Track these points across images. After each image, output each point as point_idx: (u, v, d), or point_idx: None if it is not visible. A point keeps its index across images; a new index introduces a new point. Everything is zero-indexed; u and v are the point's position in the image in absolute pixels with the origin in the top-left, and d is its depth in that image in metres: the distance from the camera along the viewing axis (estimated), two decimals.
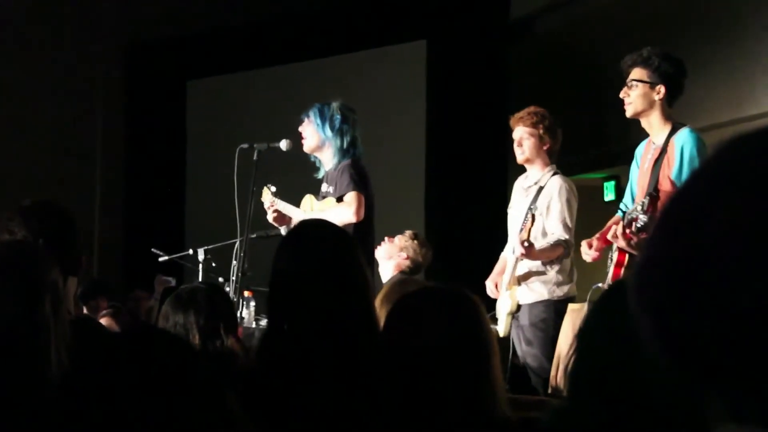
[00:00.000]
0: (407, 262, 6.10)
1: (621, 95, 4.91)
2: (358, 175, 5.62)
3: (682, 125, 4.81)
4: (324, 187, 5.80)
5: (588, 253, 5.00)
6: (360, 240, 5.50)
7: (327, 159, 5.80)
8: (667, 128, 4.82)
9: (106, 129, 11.10)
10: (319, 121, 5.77)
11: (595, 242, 5.00)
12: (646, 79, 4.85)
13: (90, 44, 10.81)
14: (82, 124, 10.87)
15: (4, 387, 2.21)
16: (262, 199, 6.00)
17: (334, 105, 5.78)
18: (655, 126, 4.88)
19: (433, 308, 2.39)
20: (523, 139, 5.75)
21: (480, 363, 2.31)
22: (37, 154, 10.25)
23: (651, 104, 4.85)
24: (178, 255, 7.13)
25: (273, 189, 6.02)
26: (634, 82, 4.85)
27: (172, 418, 1.55)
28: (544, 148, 5.74)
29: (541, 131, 5.72)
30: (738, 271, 0.83)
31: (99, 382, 1.57)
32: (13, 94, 10.20)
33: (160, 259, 7.12)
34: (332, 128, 5.74)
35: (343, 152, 5.72)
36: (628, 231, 4.65)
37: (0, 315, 2.28)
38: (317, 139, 5.79)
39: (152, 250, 7.27)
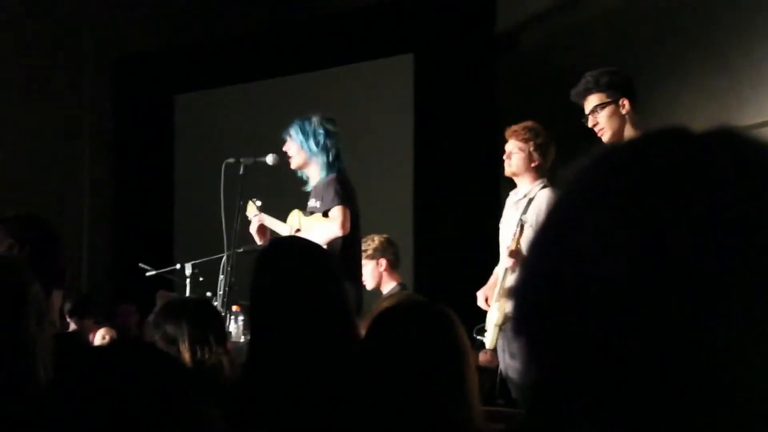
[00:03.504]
0: (385, 263, 6.55)
1: (590, 125, 4.91)
2: (343, 189, 5.61)
3: (653, 127, 4.81)
4: (311, 202, 5.79)
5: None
6: (346, 253, 5.51)
7: (313, 174, 5.80)
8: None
9: (94, 143, 11.09)
10: (302, 138, 5.76)
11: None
12: (606, 99, 4.86)
13: (78, 58, 10.81)
14: (70, 137, 10.85)
15: None
16: (247, 213, 6.00)
17: (315, 120, 5.76)
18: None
19: (407, 322, 2.42)
20: (513, 153, 5.75)
21: (453, 377, 2.33)
22: (25, 168, 10.22)
23: (622, 120, 4.86)
24: (165, 269, 7.10)
25: (258, 203, 6.04)
26: (598, 107, 4.86)
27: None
28: (533, 164, 5.75)
29: (531, 148, 5.73)
30: (611, 289, 0.81)
31: (80, 396, 1.56)
32: (0, 107, 10.18)
33: (148, 273, 7.10)
34: (316, 144, 5.73)
35: (329, 166, 5.71)
36: None
37: None
38: (303, 156, 5.79)
39: (140, 265, 7.25)
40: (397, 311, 2.52)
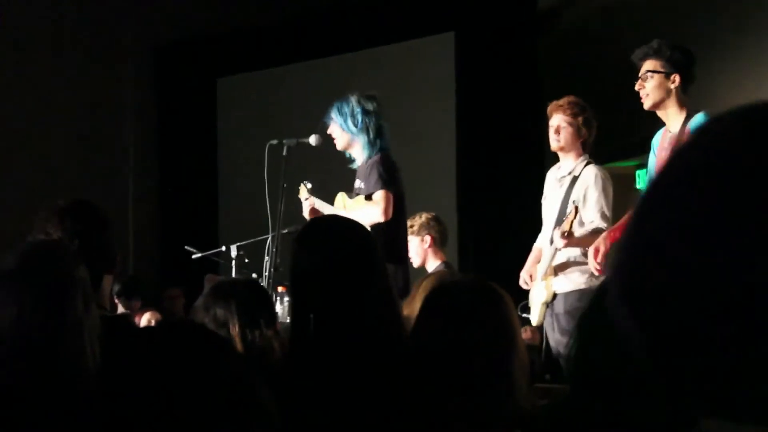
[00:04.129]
0: (429, 239, 6.57)
1: (636, 88, 4.94)
2: (387, 172, 5.57)
3: (697, 112, 4.80)
4: (357, 183, 5.77)
5: (595, 266, 5.01)
6: (391, 237, 5.49)
7: (358, 154, 5.78)
8: (683, 116, 4.82)
9: (139, 128, 11.16)
10: (341, 120, 5.72)
11: (602, 246, 5.02)
12: (660, 69, 4.87)
13: (121, 45, 10.87)
14: (115, 123, 10.93)
15: (41, 383, 2.23)
16: (300, 196, 6.02)
17: (353, 100, 5.71)
18: (672, 115, 4.89)
19: (459, 301, 2.41)
20: (561, 127, 5.73)
21: (501, 358, 2.33)
22: (72, 155, 10.32)
23: (668, 93, 4.87)
24: (211, 252, 7.15)
25: (309, 186, 6.04)
26: (649, 74, 4.87)
27: (203, 411, 1.55)
28: (581, 139, 5.73)
29: (580, 122, 5.71)
30: (712, 260, 0.81)
31: (130, 376, 1.58)
32: (47, 96, 10.26)
33: (194, 256, 7.15)
34: (355, 124, 5.69)
35: (371, 145, 5.68)
36: None
37: (32, 313, 2.30)
38: (346, 138, 5.75)
39: (185, 247, 7.30)
40: (449, 289, 2.51)
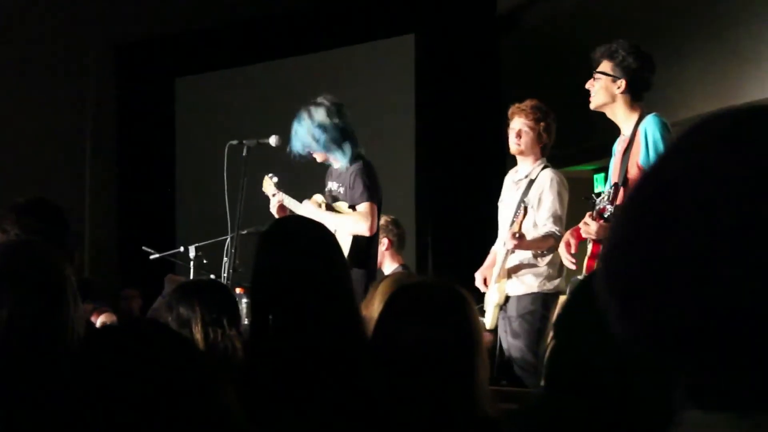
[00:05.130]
0: (387, 242, 6.60)
1: (587, 86, 4.92)
2: (371, 181, 5.53)
3: (649, 113, 4.81)
4: (333, 185, 5.71)
5: (569, 260, 4.99)
6: (366, 244, 5.48)
7: (336, 162, 5.69)
8: (634, 117, 4.83)
9: (97, 127, 11.09)
10: (313, 144, 5.62)
11: (571, 240, 5.01)
12: (609, 72, 4.87)
13: (80, 44, 10.79)
14: (73, 122, 10.85)
15: (37, 383, 2.20)
16: (264, 189, 5.95)
17: (318, 116, 5.60)
18: (620, 118, 4.89)
19: (422, 301, 2.41)
20: (523, 131, 5.74)
21: (465, 359, 2.33)
22: (28, 153, 10.23)
23: (612, 97, 4.86)
24: (169, 252, 7.10)
25: (275, 179, 5.96)
26: (598, 75, 4.88)
27: (165, 411, 1.55)
28: (541, 144, 5.76)
29: (542, 127, 5.74)
30: (707, 257, 0.82)
31: (90, 375, 1.57)
32: (5, 92, 10.18)
33: (151, 257, 7.10)
34: (329, 146, 5.62)
35: (351, 156, 5.61)
36: (599, 221, 4.66)
37: (25, 314, 2.27)
38: (321, 155, 5.68)
39: (143, 248, 7.25)
40: (413, 289, 2.51)
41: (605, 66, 4.89)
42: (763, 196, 0.82)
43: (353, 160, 5.61)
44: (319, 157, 5.71)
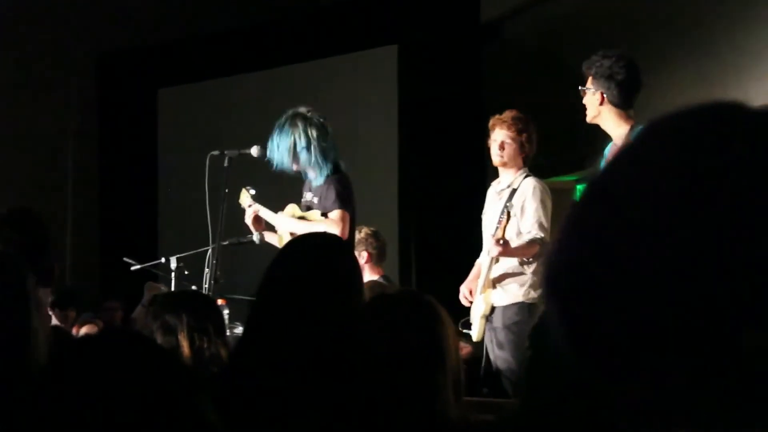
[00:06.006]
0: (366, 255, 6.59)
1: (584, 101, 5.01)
2: (345, 191, 5.55)
3: (640, 124, 4.81)
4: (308, 196, 5.72)
5: None
6: None
7: (313, 175, 5.70)
8: (626, 128, 4.85)
9: (79, 138, 11.06)
10: (297, 162, 5.63)
11: None
12: (589, 85, 4.93)
13: (62, 54, 10.76)
14: (55, 132, 10.82)
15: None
16: (240, 201, 5.93)
17: (296, 134, 5.59)
18: (611, 128, 4.93)
19: (390, 311, 2.43)
20: (505, 143, 5.74)
21: (427, 366, 2.33)
22: (9, 162, 10.19)
23: (598, 110, 4.93)
24: (150, 264, 7.07)
25: (252, 192, 5.94)
26: (582, 89, 4.97)
27: (145, 423, 1.53)
28: (523, 154, 5.77)
29: (524, 138, 5.75)
30: (645, 263, 0.80)
31: (70, 385, 1.55)
32: None
33: (133, 268, 7.07)
34: (310, 162, 5.63)
35: (327, 169, 5.62)
36: None
37: None
38: (298, 168, 5.69)
39: (124, 259, 7.22)
40: (384, 299, 2.52)
41: (588, 80, 4.95)
42: (709, 195, 0.79)
43: (330, 172, 5.61)
44: (295, 167, 5.69)
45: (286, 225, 5.75)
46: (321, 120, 5.67)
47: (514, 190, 5.73)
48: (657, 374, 0.81)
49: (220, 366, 3.20)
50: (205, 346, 3.28)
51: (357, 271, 2.92)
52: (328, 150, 5.63)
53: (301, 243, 3.07)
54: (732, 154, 0.81)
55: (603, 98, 4.88)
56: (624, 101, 4.90)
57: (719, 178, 0.80)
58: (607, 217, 0.83)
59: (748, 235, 0.78)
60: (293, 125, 5.62)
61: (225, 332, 3.53)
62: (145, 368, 1.58)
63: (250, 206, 5.88)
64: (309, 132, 5.60)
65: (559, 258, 0.86)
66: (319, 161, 5.59)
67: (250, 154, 5.82)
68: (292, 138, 5.59)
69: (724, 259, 0.78)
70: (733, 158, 0.81)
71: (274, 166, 5.68)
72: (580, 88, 4.95)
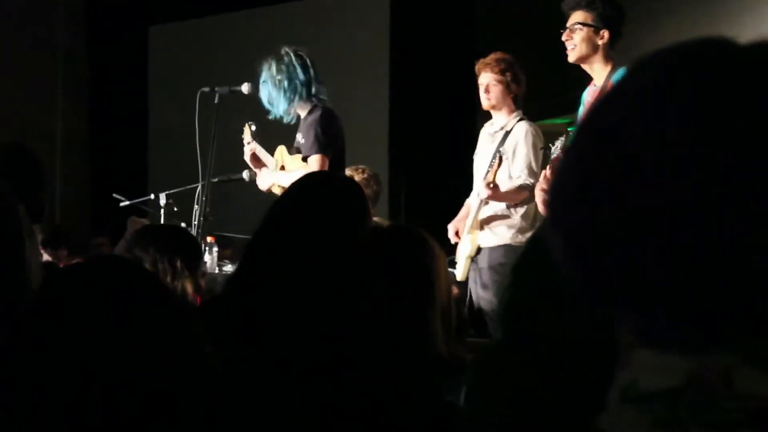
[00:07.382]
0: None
1: (563, 38, 4.81)
2: (324, 133, 5.46)
3: (622, 66, 4.75)
4: (298, 137, 5.65)
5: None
6: None
7: (301, 112, 5.66)
8: (608, 69, 4.77)
9: (68, 74, 10.99)
10: (277, 95, 5.56)
11: (546, 187, 4.96)
12: (590, 22, 4.77)
13: None
14: (45, 68, 10.75)
15: None
16: (243, 137, 5.88)
17: (273, 68, 5.56)
18: (597, 70, 4.82)
19: (381, 244, 2.43)
20: (491, 85, 5.72)
21: (416, 298, 2.33)
22: None
23: (595, 49, 4.78)
24: (139, 200, 7.07)
25: (254, 128, 5.89)
26: (578, 26, 4.78)
27: (137, 348, 1.53)
28: (511, 95, 5.74)
29: (509, 78, 5.71)
30: (653, 189, 0.81)
31: (61, 313, 1.55)
32: None
33: (122, 204, 7.07)
34: (290, 97, 5.55)
35: (309, 103, 5.57)
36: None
37: None
38: (291, 112, 5.66)
39: (114, 195, 7.21)
40: (376, 233, 2.52)
41: (584, 16, 4.78)
42: (703, 137, 0.80)
43: (312, 107, 5.56)
44: (282, 108, 5.64)
45: (269, 179, 5.68)
46: (300, 53, 5.61)
47: (507, 133, 5.72)
48: (667, 299, 0.82)
49: (184, 299, 3.20)
50: (168, 279, 3.26)
51: (366, 214, 2.91)
52: (308, 83, 5.57)
53: (312, 181, 3.05)
54: (728, 82, 0.82)
55: (608, 38, 4.77)
56: (615, 45, 4.86)
57: (718, 106, 0.81)
58: (608, 151, 0.84)
59: (754, 161, 0.79)
60: (269, 67, 5.59)
61: (198, 267, 3.50)
62: (136, 292, 1.58)
63: (248, 143, 5.85)
64: (283, 68, 5.56)
65: (562, 196, 0.88)
66: (298, 94, 5.54)
67: (240, 91, 5.79)
68: (270, 80, 5.56)
69: (731, 185, 0.79)
70: (728, 86, 0.82)
71: (272, 115, 5.65)
72: (578, 23, 4.80)
